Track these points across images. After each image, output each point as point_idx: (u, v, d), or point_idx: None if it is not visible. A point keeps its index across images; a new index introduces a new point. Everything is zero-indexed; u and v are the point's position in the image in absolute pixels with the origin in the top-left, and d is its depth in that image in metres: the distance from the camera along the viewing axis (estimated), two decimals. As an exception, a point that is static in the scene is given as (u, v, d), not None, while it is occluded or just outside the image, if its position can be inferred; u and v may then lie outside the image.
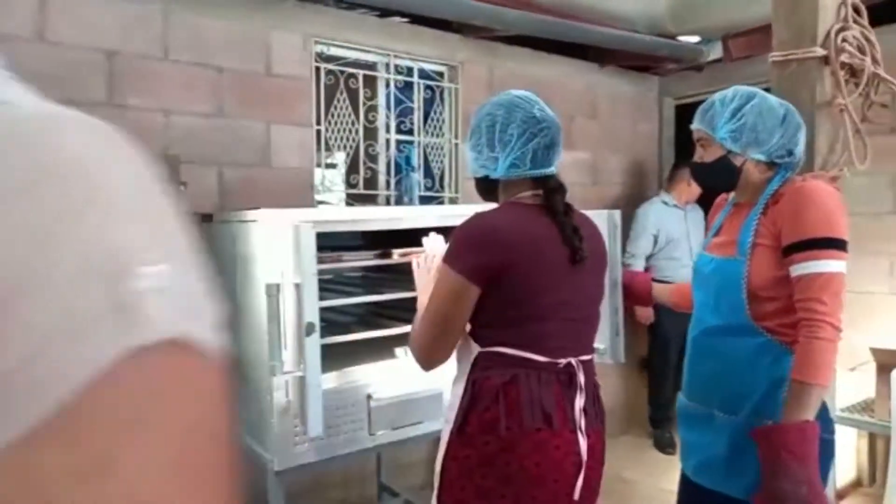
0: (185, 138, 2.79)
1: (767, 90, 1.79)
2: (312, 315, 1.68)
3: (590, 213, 2.02)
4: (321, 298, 1.85)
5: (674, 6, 3.60)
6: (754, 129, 1.62)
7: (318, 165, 3.24)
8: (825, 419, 1.62)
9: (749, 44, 3.89)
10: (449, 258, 1.41)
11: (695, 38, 3.99)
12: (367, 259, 2.14)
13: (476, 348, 1.43)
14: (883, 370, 3.04)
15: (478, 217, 1.44)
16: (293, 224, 1.64)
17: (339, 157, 3.43)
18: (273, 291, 1.62)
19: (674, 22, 3.75)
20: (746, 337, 1.59)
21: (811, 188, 1.58)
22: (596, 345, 1.86)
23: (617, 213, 2.21)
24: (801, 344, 1.50)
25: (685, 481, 1.82)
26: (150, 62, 2.70)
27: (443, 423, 1.50)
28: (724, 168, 1.67)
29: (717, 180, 1.74)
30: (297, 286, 1.64)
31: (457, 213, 1.69)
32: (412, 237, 2.32)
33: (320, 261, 1.91)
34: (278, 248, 1.70)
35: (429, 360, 1.46)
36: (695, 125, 1.74)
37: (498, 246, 1.38)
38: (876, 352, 3.13)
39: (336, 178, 3.48)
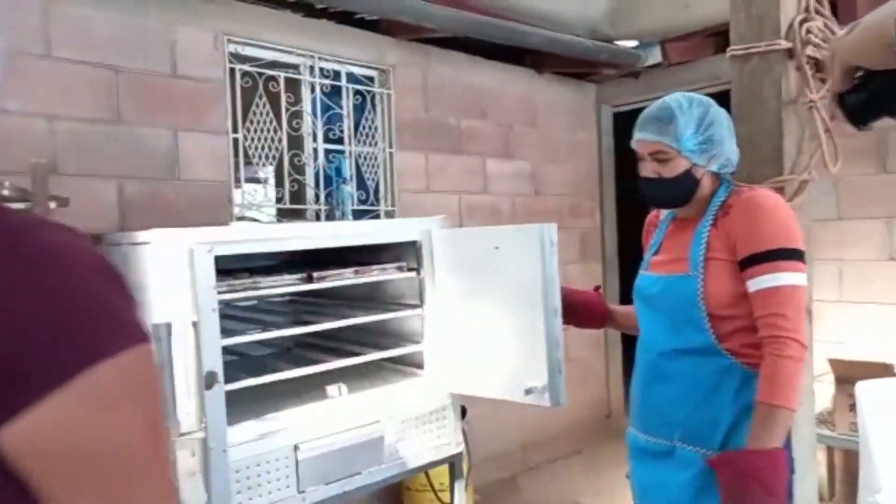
0: (75, 148, 2.42)
1: (710, 95, 1.63)
2: (214, 361, 1.35)
3: (517, 227, 1.81)
4: (233, 330, 1.53)
5: (611, 9, 3.46)
6: (721, 140, 1.50)
7: (239, 180, 2.90)
8: (788, 455, 1.45)
9: (687, 48, 3.81)
10: None
11: (632, 43, 3.87)
12: (286, 285, 1.81)
13: None
14: (842, 382, 2.94)
15: None
16: (188, 247, 1.32)
17: (269, 171, 3.09)
18: (162, 333, 1.28)
19: (611, 25, 3.62)
20: (710, 358, 1.43)
21: (763, 197, 1.47)
22: (533, 384, 1.64)
23: (553, 228, 1.80)
24: (765, 363, 1.36)
25: None
26: (27, 59, 2.31)
27: None
28: (688, 182, 1.50)
29: (676, 196, 1.55)
30: (195, 325, 1.32)
31: (393, 228, 1.40)
32: (345, 256, 2.02)
33: (231, 288, 1.59)
34: (172, 277, 1.36)
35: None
36: (652, 137, 1.50)
37: None
38: (834, 363, 3.03)
39: (261, 193, 3.14)
